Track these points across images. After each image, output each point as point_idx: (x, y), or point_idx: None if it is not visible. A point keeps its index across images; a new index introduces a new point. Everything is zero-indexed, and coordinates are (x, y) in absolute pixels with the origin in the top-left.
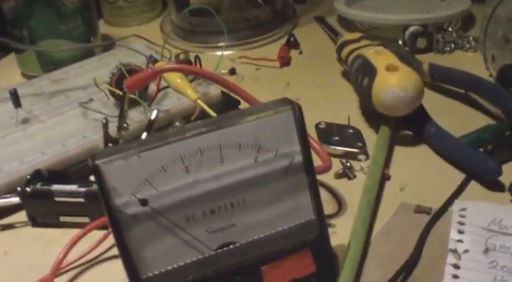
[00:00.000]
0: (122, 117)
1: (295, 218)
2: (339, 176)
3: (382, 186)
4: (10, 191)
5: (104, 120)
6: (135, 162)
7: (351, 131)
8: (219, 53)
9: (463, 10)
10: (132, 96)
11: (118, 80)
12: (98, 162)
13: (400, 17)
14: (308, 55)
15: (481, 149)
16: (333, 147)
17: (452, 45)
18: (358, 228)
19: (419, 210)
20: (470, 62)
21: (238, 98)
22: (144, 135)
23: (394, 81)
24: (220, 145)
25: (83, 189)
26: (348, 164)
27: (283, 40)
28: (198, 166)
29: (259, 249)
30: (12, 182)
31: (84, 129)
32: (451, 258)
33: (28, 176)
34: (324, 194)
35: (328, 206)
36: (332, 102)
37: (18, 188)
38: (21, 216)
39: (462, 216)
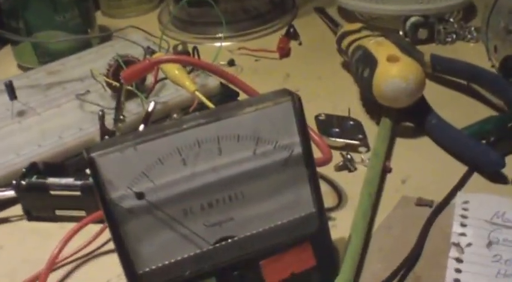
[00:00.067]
0: (118, 109)
1: (295, 211)
2: (339, 168)
3: (383, 178)
4: (5, 184)
5: (101, 113)
6: (131, 154)
7: (351, 122)
8: (218, 44)
9: (464, 0)
10: (129, 87)
11: (115, 71)
12: (93, 154)
13: (401, 7)
14: (308, 46)
15: (484, 141)
16: (333, 139)
17: (454, 36)
18: (359, 222)
19: (421, 203)
20: (472, 53)
21: (237, 89)
22: (141, 128)
23: (395, 72)
24: (218, 137)
25: (79, 183)
26: (349, 156)
27: (283, 31)
28: (195, 158)
29: (258, 243)
30: (7, 175)
31: (81, 121)
32: (453, 252)
33: (24, 169)
34: (324, 187)
35: (329, 198)
36: (332, 94)
37: (14, 181)
38: (17, 209)
39: (465, 209)
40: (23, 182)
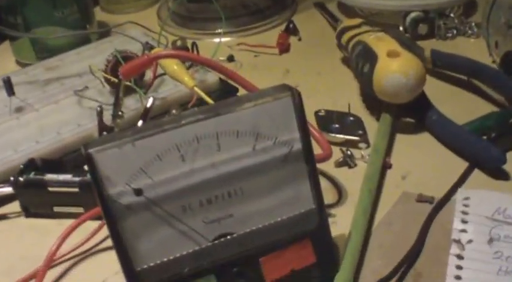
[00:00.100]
0: (117, 105)
1: (295, 208)
2: (339, 164)
3: (384, 175)
4: (3, 180)
5: (99, 108)
6: (130, 150)
7: (351, 118)
8: (217, 40)
9: None
10: (128, 83)
11: (113, 67)
12: (91, 150)
13: (401, 2)
14: (307, 42)
15: (485, 137)
16: (333, 135)
17: (454, 32)
18: (359, 218)
19: (422, 199)
20: (473, 49)
21: (236, 85)
22: (139, 124)
23: (395, 67)
24: (217, 133)
25: (77, 179)
26: (349, 153)
27: (282, 27)
28: (194, 154)
29: (258, 240)
30: (5, 172)
31: (79, 117)
32: (454, 249)
33: (21, 166)
34: (323, 183)
35: (328, 195)
36: (332, 90)
37: (11, 178)
38: (15, 206)
39: (465, 206)
40: (21, 179)
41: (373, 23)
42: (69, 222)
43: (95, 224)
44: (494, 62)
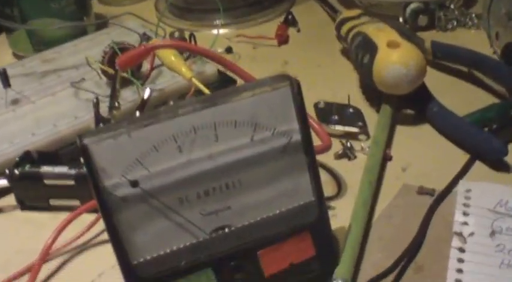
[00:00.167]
0: (113, 96)
1: (294, 200)
2: (338, 156)
3: (384, 167)
4: None
5: (95, 100)
6: (125, 141)
7: (351, 110)
8: (215, 31)
9: None
10: (125, 75)
11: (110, 58)
12: (86, 141)
13: None
14: (306, 33)
15: (486, 129)
16: (333, 127)
17: (455, 23)
18: (359, 210)
19: (422, 191)
20: (473, 40)
21: (234, 76)
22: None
23: (395, 58)
24: (214, 123)
25: (73, 172)
26: (348, 144)
27: (281, 18)
28: (191, 145)
29: (256, 232)
30: (1, 164)
31: (76, 109)
32: (456, 242)
33: (17, 158)
34: (323, 175)
35: (328, 187)
36: (331, 81)
37: (7, 171)
38: (10, 199)
39: (467, 198)
40: (16, 171)
41: (373, 14)
42: (65, 216)
43: (91, 217)
44: (495, 53)
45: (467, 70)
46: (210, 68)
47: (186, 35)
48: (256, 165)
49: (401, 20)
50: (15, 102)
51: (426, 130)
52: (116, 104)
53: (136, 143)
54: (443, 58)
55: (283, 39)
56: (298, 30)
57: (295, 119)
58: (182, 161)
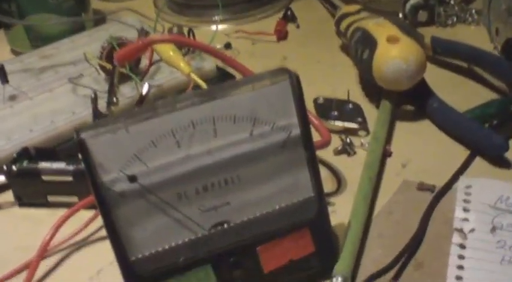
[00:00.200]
0: (111, 91)
1: (293, 196)
2: (338, 152)
3: (384, 163)
4: None
5: (93, 95)
6: (123, 136)
7: (350, 106)
8: (214, 27)
9: None
10: (123, 70)
11: (108, 54)
12: (83, 136)
13: None
14: (305, 29)
15: (486, 124)
16: (332, 122)
17: (455, 19)
18: (359, 207)
19: (423, 187)
20: (473, 36)
21: (233, 72)
22: None
23: (395, 53)
24: (213, 118)
25: (71, 168)
26: (348, 140)
27: (280, 14)
28: (190, 140)
29: (255, 228)
30: None
31: (74, 105)
32: (456, 238)
33: (15, 155)
34: (322, 172)
35: (327, 183)
36: (331, 77)
37: (4, 167)
38: (8, 196)
39: (467, 194)
40: (14, 168)
41: (372, 11)
42: (63, 212)
43: (90, 213)
44: (495, 48)
45: (467, 66)
46: (209, 64)
47: (185, 30)
48: (256, 160)
49: (400, 15)
50: (13, 98)
51: (426, 126)
52: (114, 99)
53: (134, 137)
54: (443, 54)
55: (282, 35)
56: (298, 26)
57: (295, 113)
58: (181, 156)
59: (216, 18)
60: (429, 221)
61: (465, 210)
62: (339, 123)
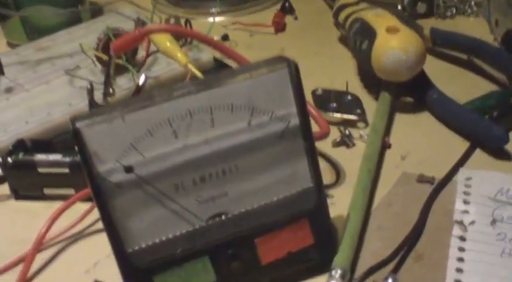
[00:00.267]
0: (108, 82)
1: (292, 186)
2: (337, 144)
3: (383, 155)
4: None
5: (89, 86)
6: (119, 125)
7: (349, 97)
8: (211, 19)
9: None
10: (120, 61)
11: (105, 45)
12: (78, 125)
13: None
14: (303, 21)
15: (486, 116)
16: (331, 114)
17: (454, 10)
18: (358, 199)
19: (422, 179)
20: (473, 27)
21: (231, 63)
22: None
23: (395, 43)
24: (211, 107)
25: (67, 159)
26: (347, 132)
27: (278, 6)
28: (187, 130)
29: (253, 220)
30: None
31: (70, 97)
32: (456, 230)
33: (10, 147)
34: (321, 164)
35: (326, 175)
36: (329, 69)
37: (0, 159)
38: (4, 189)
39: (467, 186)
40: (10, 160)
41: (370, 1)
42: (60, 205)
43: (86, 206)
44: (495, 40)
45: (467, 57)
46: (206, 55)
47: (182, 22)
48: (254, 150)
49: (399, 7)
50: (9, 90)
51: (426, 118)
52: (111, 90)
53: (130, 127)
54: (442, 45)
55: (280, 27)
56: (295, 18)
57: (293, 102)
58: (178, 146)
59: (213, 10)
60: (429, 213)
61: (465, 202)
62: (337, 115)
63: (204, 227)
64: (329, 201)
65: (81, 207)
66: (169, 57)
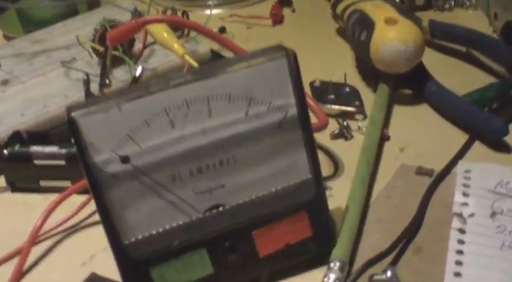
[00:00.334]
0: (104, 74)
1: (290, 178)
2: (335, 136)
3: (381, 147)
4: None
5: (85, 77)
6: (116, 115)
7: (347, 89)
8: (208, 11)
9: None
10: (116, 53)
11: (101, 36)
12: (74, 114)
13: None
14: (301, 13)
15: (486, 108)
16: (329, 106)
17: (452, 3)
18: (357, 190)
19: (421, 172)
20: (471, 20)
21: (229, 54)
22: None
23: (393, 34)
24: (208, 97)
25: (63, 151)
26: (345, 124)
27: None
28: (184, 120)
29: (251, 212)
30: None
31: (66, 89)
32: (456, 223)
33: (6, 139)
34: (319, 156)
35: (324, 167)
36: (327, 61)
37: None
38: (0, 181)
39: (467, 178)
40: (5, 152)
41: None
42: (55, 197)
43: (83, 198)
44: (494, 32)
45: (465, 50)
46: (203, 47)
47: (179, 14)
48: (251, 141)
49: None
50: (5, 82)
51: (424, 110)
52: (107, 81)
53: (126, 116)
54: (441, 37)
55: (277, 19)
56: (293, 10)
57: (292, 92)
58: (174, 136)
59: (210, 2)
60: (428, 206)
61: (464, 194)
62: (335, 107)
63: (201, 218)
64: (327, 193)
65: (78, 199)
66: (166, 48)
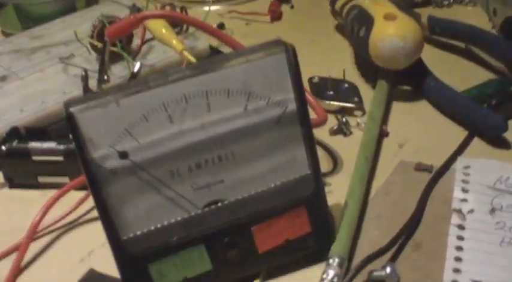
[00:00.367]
0: (102, 69)
1: (289, 173)
2: (334, 132)
3: (380, 143)
4: None
5: (83, 73)
6: (114, 110)
7: (346, 85)
8: (207, 8)
9: None
10: (115, 49)
11: (100, 32)
12: (72, 110)
13: None
14: (300, 9)
15: (485, 105)
16: (328, 102)
17: None
18: (355, 187)
19: (420, 168)
20: (470, 16)
21: (228, 50)
22: None
23: (392, 30)
24: (206, 92)
25: (61, 147)
26: (344, 120)
27: None
28: (182, 115)
29: (250, 207)
30: None
31: (65, 85)
32: (455, 219)
33: (4, 135)
34: (318, 152)
35: (323, 164)
36: (326, 58)
37: None
38: None
39: (466, 175)
40: (4, 148)
41: None
42: (54, 193)
43: (81, 194)
44: (493, 28)
45: (464, 46)
46: (202, 43)
47: (177, 9)
48: (250, 136)
49: None
50: (3, 78)
51: (423, 106)
52: (105, 77)
53: (125, 111)
54: (440, 33)
55: (276, 16)
56: (292, 7)
57: (291, 87)
58: (173, 131)
59: None
60: (427, 202)
61: (464, 190)
62: (334, 103)
63: (200, 214)
64: (326, 189)
65: (76, 195)
66: (165, 44)
